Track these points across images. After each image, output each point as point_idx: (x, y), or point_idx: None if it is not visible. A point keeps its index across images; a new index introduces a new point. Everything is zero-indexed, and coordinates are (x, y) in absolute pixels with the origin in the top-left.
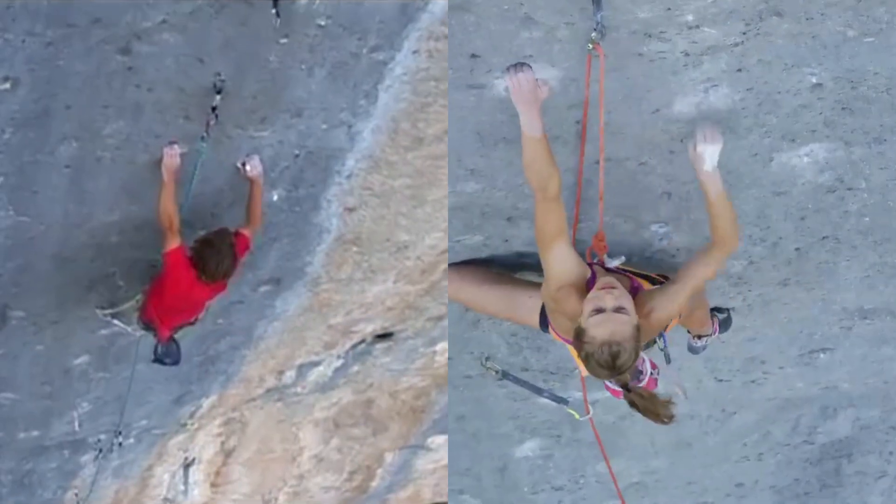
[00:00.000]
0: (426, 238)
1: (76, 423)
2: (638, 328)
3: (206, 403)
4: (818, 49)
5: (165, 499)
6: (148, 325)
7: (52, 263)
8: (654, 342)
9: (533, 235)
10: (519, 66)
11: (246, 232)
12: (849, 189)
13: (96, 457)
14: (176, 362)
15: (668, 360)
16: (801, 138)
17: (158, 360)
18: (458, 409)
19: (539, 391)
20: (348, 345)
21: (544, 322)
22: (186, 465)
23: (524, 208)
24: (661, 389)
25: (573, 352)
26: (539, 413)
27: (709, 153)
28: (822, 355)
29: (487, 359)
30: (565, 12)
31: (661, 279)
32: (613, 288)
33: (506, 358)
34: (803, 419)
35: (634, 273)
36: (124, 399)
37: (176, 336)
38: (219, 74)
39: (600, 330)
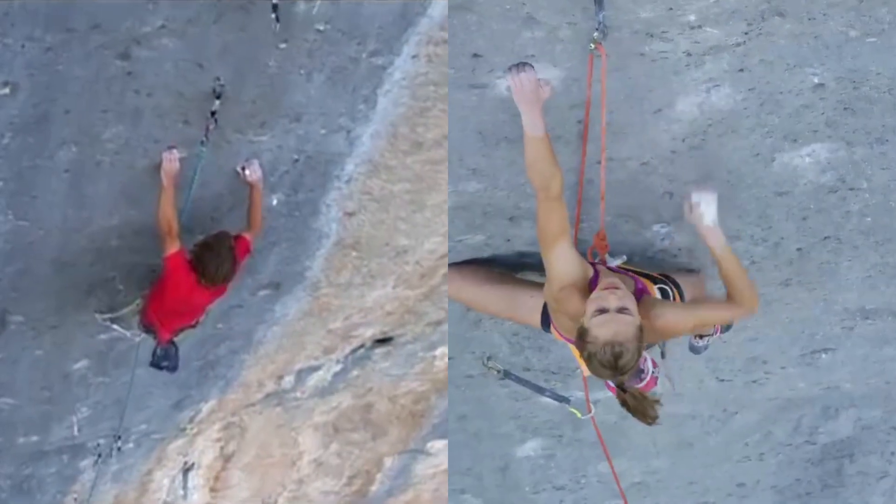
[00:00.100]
0: (425, 242)
1: (75, 428)
2: (641, 329)
3: (206, 408)
4: (820, 49)
5: (165, 503)
6: (148, 329)
7: (51, 268)
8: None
9: (534, 235)
10: (521, 65)
11: (247, 236)
12: (850, 189)
13: (96, 461)
14: (174, 369)
15: (664, 356)
16: (803, 138)
17: (156, 364)
18: (460, 408)
19: (541, 390)
20: (348, 349)
21: (546, 322)
22: (186, 470)
23: (526, 208)
24: (658, 387)
25: (575, 351)
26: (540, 413)
27: (704, 206)
28: (823, 355)
29: (489, 358)
30: (567, 12)
31: (663, 278)
32: (617, 288)
33: (507, 358)
34: (805, 419)
35: (636, 272)
36: (124, 404)
37: (176, 340)
38: (218, 79)
39: (603, 330)
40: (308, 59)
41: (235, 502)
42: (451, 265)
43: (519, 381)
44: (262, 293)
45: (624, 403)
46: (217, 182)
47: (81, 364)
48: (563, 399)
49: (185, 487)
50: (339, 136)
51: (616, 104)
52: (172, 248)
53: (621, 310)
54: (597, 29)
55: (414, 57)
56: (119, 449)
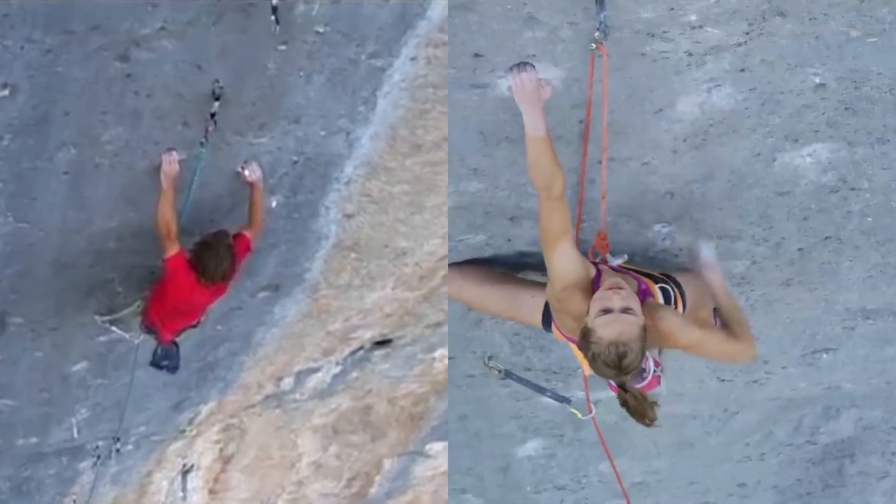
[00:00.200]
0: (425, 244)
1: (75, 430)
2: (645, 329)
3: (205, 410)
4: (821, 49)
5: None
6: (150, 330)
7: (50, 269)
8: None
9: (535, 235)
10: (522, 65)
11: (247, 234)
12: (852, 189)
13: (95, 463)
14: (174, 369)
15: (660, 352)
16: (804, 138)
17: (156, 364)
18: (461, 408)
19: (542, 390)
20: (347, 351)
21: (547, 321)
22: (185, 472)
23: (527, 208)
24: (661, 387)
25: (576, 351)
26: (541, 412)
27: (703, 245)
28: (824, 355)
29: (490, 358)
30: (568, 12)
31: (664, 277)
32: (621, 288)
33: (508, 357)
34: (806, 419)
35: (638, 272)
36: (123, 405)
37: (178, 340)
38: (217, 81)
39: (607, 330)
40: (307, 60)
41: None
42: (451, 265)
43: (520, 380)
44: (261, 295)
45: (624, 403)
46: (216, 184)
47: (81, 366)
48: (563, 399)
49: (184, 489)
50: (338, 137)
51: (617, 104)
52: (172, 249)
53: (625, 310)
54: (598, 29)
55: (413, 59)
56: (118, 451)
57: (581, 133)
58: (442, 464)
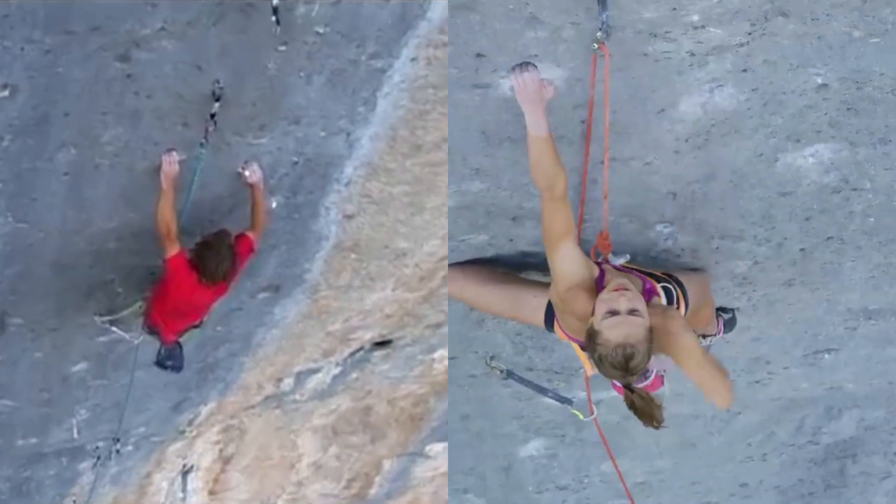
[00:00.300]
0: (425, 245)
1: (75, 431)
2: (651, 330)
3: (205, 411)
4: (824, 49)
5: None
6: (152, 330)
7: (50, 270)
8: None
9: (538, 235)
10: (524, 65)
11: (250, 235)
12: (854, 189)
13: (95, 464)
14: (178, 368)
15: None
16: (806, 139)
17: (160, 363)
18: (463, 408)
19: (543, 391)
20: (347, 352)
21: (549, 321)
22: (185, 473)
23: (529, 208)
24: (665, 389)
25: (578, 351)
26: (543, 413)
27: None
28: (826, 356)
29: (492, 358)
30: (570, 12)
31: (666, 277)
32: (627, 290)
33: (510, 357)
34: (808, 419)
35: (641, 271)
36: (123, 406)
37: (181, 340)
38: (217, 82)
39: (615, 332)
40: (307, 61)
41: None
42: (454, 265)
43: (522, 381)
44: (261, 296)
45: (631, 405)
46: (216, 184)
47: (81, 366)
48: (565, 400)
49: (184, 490)
50: (338, 138)
51: (619, 104)
52: (172, 250)
53: (632, 311)
54: (600, 29)
55: (413, 60)
56: (118, 451)
57: (583, 133)
58: (442, 464)
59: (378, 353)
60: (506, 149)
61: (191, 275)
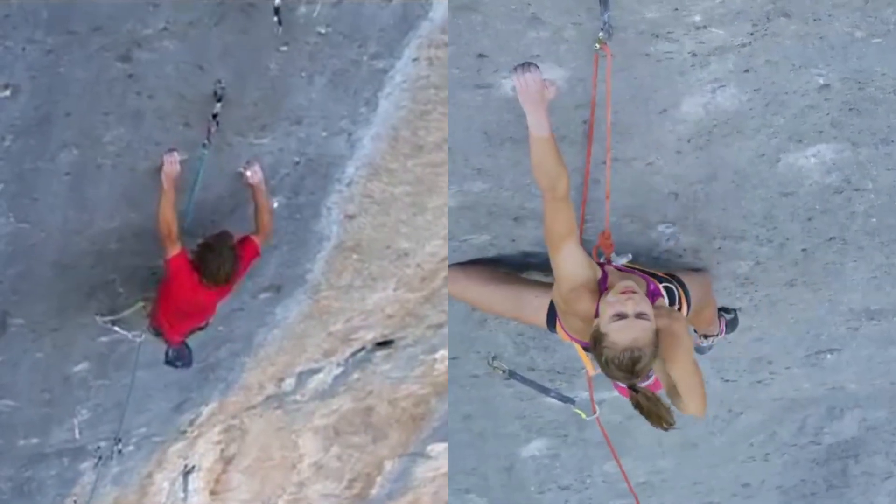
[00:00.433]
0: (426, 245)
1: (76, 431)
2: (656, 333)
3: (206, 411)
4: (826, 50)
5: None
6: (158, 332)
7: (52, 270)
8: None
9: (540, 235)
10: (526, 65)
11: (255, 238)
12: (856, 190)
13: (96, 464)
14: (188, 365)
15: None
16: (808, 139)
17: (170, 363)
18: (465, 408)
19: (545, 391)
20: (348, 352)
21: (551, 322)
22: (186, 473)
23: (531, 208)
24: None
25: (580, 351)
26: (545, 413)
27: None
28: (828, 356)
29: (494, 358)
30: (572, 12)
31: (668, 277)
32: (634, 293)
33: (512, 357)
34: (810, 420)
35: (644, 271)
36: (124, 406)
37: (187, 341)
38: (219, 82)
39: (622, 336)
40: (309, 61)
41: None
42: (455, 265)
43: (524, 381)
44: (262, 296)
45: (638, 406)
46: (218, 184)
47: (82, 366)
48: (567, 400)
49: (185, 490)
50: (340, 138)
51: (621, 104)
52: (173, 250)
53: (640, 315)
54: (602, 29)
55: (415, 60)
56: (119, 451)
57: (585, 133)
58: (443, 465)
59: (379, 354)
60: (508, 149)
61: (192, 275)
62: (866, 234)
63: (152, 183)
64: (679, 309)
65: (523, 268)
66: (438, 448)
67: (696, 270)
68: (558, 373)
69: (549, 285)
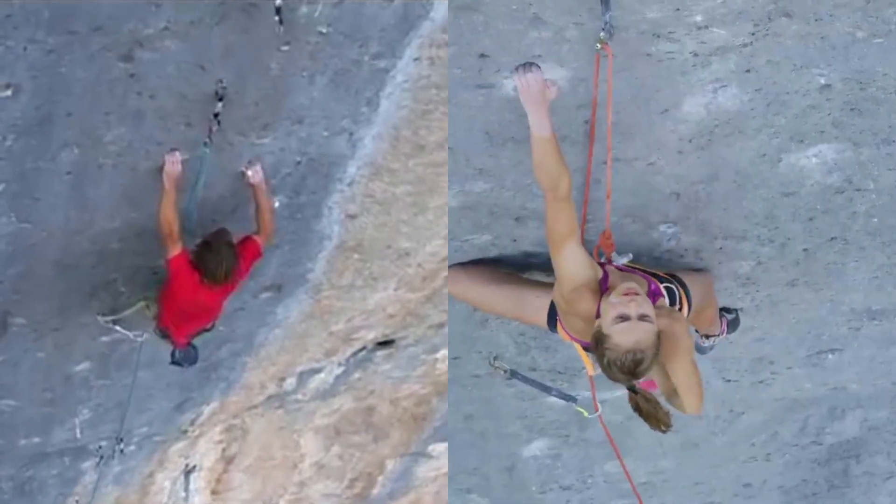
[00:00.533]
0: (427, 245)
1: (77, 430)
2: (658, 335)
3: (207, 410)
4: (827, 50)
5: None
6: (165, 334)
7: (53, 270)
8: None
9: (541, 235)
10: (527, 65)
11: (257, 238)
12: (857, 190)
13: (97, 464)
14: (193, 362)
15: None
16: (809, 139)
17: (176, 363)
18: (466, 408)
19: (547, 389)
20: (349, 352)
21: (552, 322)
22: (187, 472)
23: (532, 208)
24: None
25: (581, 351)
26: (547, 413)
27: None
28: (830, 356)
29: (496, 358)
30: (574, 12)
31: (669, 277)
32: (637, 294)
33: (514, 357)
34: (811, 420)
35: (644, 271)
36: (125, 406)
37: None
38: (221, 81)
39: (625, 338)
40: (310, 61)
41: None
42: (456, 265)
43: (525, 380)
44: (263, 296)
45: (637, 408)
46: (219, 184)
47: (83, 366)
48: (569, 398)
49: (186, 489)
50: (341, 138)
51: (623, 104)
52: (174, 250)
53: (642, 317)
54: (603, 29)
55: (416, 59)
56: (121, 451)
57: (586, 133)
58: (444, 464)
59: (380, 353)
60: (509, 149)
61: (193, 276)
62: (868, 235)
63: (153, 183)
64: (680, 309)
65: (525, 268)
66: (440, 448)
67: (698, 270)
68: (559, 373)
69: (550, 285)
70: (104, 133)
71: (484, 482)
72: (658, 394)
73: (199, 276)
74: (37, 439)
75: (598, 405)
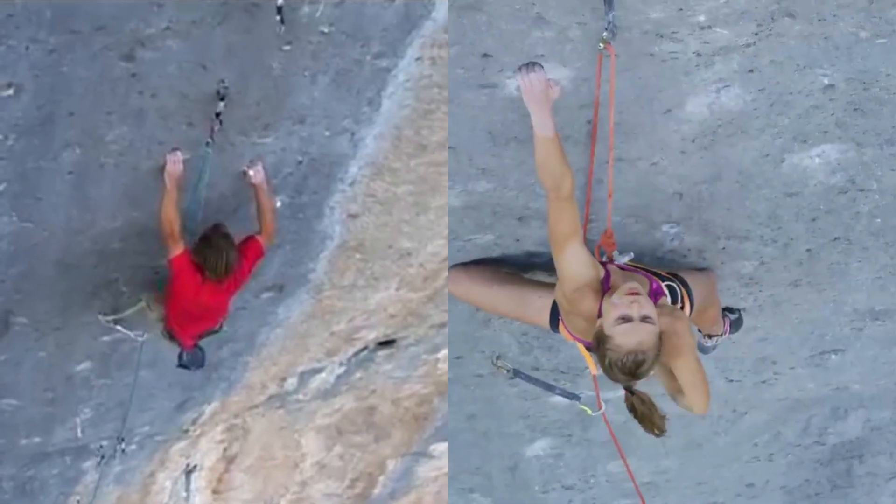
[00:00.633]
0: (429, 245)
1: (78, 430)
2: (660, 336)
3: (209, 410)
4: (830, 50)
5: None
6: (172, 337)
7: (54, 269)
8: None
9: (544, 235)
10: (530, 65)
11: (259, 238)
12: (860, 190)
13: (98, 463)
14: (200, 365)
15: None
16: (812, 139)
17: (184, 366)
18: (469, 407)
19: (551, 388)
20: (351, 352)
21: (554, 322)
22: (188, 472)
23: (535, 208)
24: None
25: (583, 351)
26: (550, 412)
27: None
28: (833, 356)
29: (498, 358)
30: (577, 12)
31: (671, 276)
32: (639, 295)
33: (516, 357)
34: (814, 420)
35: (646, 270)
36: (127, 405)
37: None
38: (222, 81)
39: (627, 339)
40: (312, 61)
41: None
42: (458, 265)
43: (529, 379)
44: (265, 295)
45: (632, 409)
46: (220, 184)
47: (84, 366)
48: (573, 396)
49: (187, 489)
50: (342, 138)
51: (626, 104)
52: (176, 250)
53: (644, 318)
54: (606, 29)
55: (418, 59)
56: (122, 450)
57: (589, 133)
58: (445, 464)
59: (382, 353)
60: (512, 149)
61: (195, 275)
62: (871, 235)
63: (155, 182)
64: (682, 308)
65: (527, 267)
66: (441, 447)
67: (701, 270)
68: (562, 372)
69: (552, 285)
70: (106, 132)
71: (486, 482)
72: (664, 394)
73: (202, 274)
74: (38, 439)
75: (602, 403)
